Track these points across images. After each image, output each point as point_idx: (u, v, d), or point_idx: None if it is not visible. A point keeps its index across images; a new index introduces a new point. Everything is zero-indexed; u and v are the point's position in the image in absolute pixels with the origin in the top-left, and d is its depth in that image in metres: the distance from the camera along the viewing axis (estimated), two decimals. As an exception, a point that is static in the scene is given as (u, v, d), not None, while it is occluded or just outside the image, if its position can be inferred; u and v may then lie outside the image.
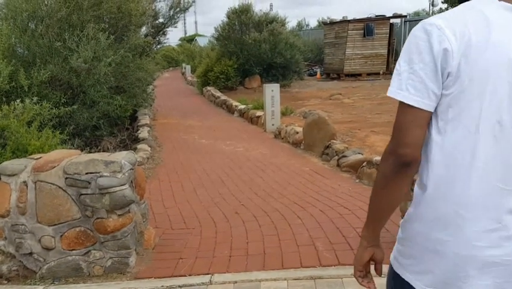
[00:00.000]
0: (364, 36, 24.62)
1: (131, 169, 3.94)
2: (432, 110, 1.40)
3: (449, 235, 1.44)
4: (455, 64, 1.34)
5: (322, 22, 33.02)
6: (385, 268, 1.71)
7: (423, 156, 1.47)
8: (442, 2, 11.22)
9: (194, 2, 18.30)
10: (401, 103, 1.43)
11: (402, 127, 1.44)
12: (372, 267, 1.70)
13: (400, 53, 1.46)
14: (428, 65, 1.37)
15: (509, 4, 1.38)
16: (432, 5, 40.60)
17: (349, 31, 24.72)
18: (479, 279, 1.44)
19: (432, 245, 1.48)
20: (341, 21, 26.12)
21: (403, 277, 1.58)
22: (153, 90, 14.66)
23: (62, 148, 5.47)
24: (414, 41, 1.41)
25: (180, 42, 59.85)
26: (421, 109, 1.39)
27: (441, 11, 11.69)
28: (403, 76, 1.41)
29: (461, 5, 1.44)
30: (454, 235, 1.43)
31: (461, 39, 1.34)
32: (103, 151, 8.09)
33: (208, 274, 3.93)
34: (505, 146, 1.37)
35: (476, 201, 1.40)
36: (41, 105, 5.74)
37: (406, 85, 1.40)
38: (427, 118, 1.41)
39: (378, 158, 6.54)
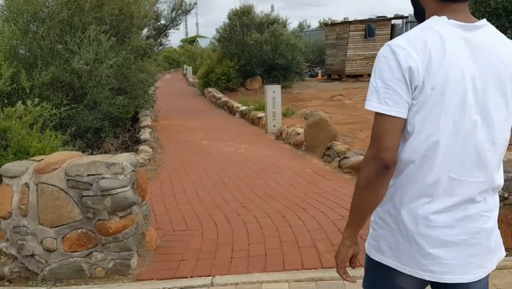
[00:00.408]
0: (365, 37, 24.62)
1: (132, 171, 3.95)
2: (406, 117, 1.63)
3: (407, 214, 1.70)
4: (420, 78, 1.59)
5: (323, 23, 33.00)
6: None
7: (406, 155, 1.70)
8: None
9: (195, 4, 18.32)
10: (379, 114, 1.64)
11: (382, 135, 1.64)
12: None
13: (372, 73, 1.69)
14: (400, 80, 1.60)
15: (457, 22, 1.63)
16: (434, 6, 40.59)
17: (350, 32, 24.73)
18: (438, 257, 1.69)
19: (399, 226, 1.74)
20: (342, 23, 26.13)
21: (379, 260, 1.83)
22: (154, 91, 14.69)
23: (64, 150, 5.48)
24: (384, 61, 1.64)
25: (181, 43, 59.96)
26: (399, 118, 1.61)
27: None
28: (380, 92, 1.63)
29: (419, 26, 1.70)
30: (410, 214, 1.70)
31: (423, 56, 1.58)
32: (105, 152, 8.10)
33: (209, 275, 3.93)
34: (459, 143, 1.64)
35: (436, 189, 1.66)
36: (41, 106, 5.74)
37: (385, 99, 1.61)
38: (402, 125, 1.64)
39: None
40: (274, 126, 11.71)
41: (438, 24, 1.64)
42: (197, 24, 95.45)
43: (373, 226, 1.88)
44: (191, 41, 61.17)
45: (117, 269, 3.98)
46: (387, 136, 1.63)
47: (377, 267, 1.85)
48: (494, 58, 1.65)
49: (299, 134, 9.69)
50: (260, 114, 13.17)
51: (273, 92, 11.76)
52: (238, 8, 22.19)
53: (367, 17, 25.83)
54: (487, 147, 1.66)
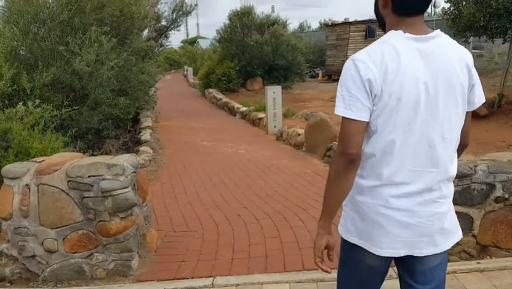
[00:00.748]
0: (366, 37, 24.60)
1: (133, 172, 3.95)
2: (368, 121, 1.91)
3: (376, 202, 1.99)
4: (378, 88, 1.85)
5: (324, 24, 33.02)
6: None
7: (369, 151, 1.99)
8: (445, 1, 11.16)
9: (196, 5, 18.34)
10: (345, 118, 1.91)
11: (348, 135, 1.92)
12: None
13: (339, 82, 1.96)
14: (362, 89, 1.87)
15: (411, 35, 1.89)
16: (434, 6, 40.55)
17: (350, 33, 24.73)
18: (395, 234, 1.98)
19: (366, 210, 2.02)
20: (342, 23, 26.15)
21: (351, 241, 2.11)
22: (155, 92, 14.69)
23: (65, 151, 5.48)
24: (348, 73, 1.91)
25: (182, 44, 59.96)
26: (361, 121, 1.89)
27: (443, 11, 11.65)
28: (346, 99, 1.90)
29: (378, 40, 1.96)
30: (377, 199, 1.99)
31: (380, 68, 1.85)
32: (106, 153, 8.11)
33: (210, 276, 3.93)
34: (413, 140, 1.91)
35: (395, 178, 1.95)
36: (42, 108, 5.74)
37: (350, 106, 1.89)
38: (364, 127, 1.92)
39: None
40: (274, 126, 11.71)
41: (394, 39, 1.91)
42: (197, 25, 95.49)
43: (344, 209, 2.16)
44: (192, 42, 61.17)
45: (118, 270, 3.99)
46: (351, 137, 1.91)
47: (347, 246, 2.13)
48: (446, 64, 1.91)
49: (299, 135, 9.69)
50: (261, 115, 13.17)
51: (274, 93, 11.76)
52: (238, 9, 22.21)
53: (367, 18, 25.82)
54: (438, 142, 1.94)
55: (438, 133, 1.93)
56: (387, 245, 2.00)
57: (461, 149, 2.14)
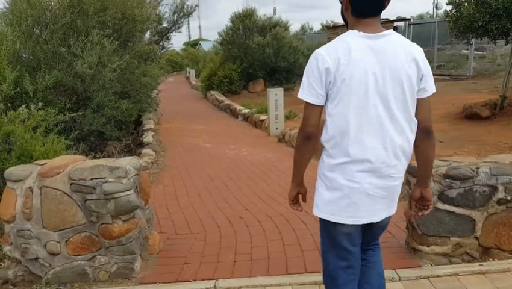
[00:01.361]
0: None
1: (135, 174, 3.96)
2: (322, 104, 2.37)
3: (341, 176, 2.39)
4: (332, 76, 2.28)
5: (325, 26, 32.96)
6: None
7: (324, 130, 2.43)
8: (447, 4, 11.16)
9: (197, 6, 18.37)
10: (305, 102, 2.38)
11: (306, 116, 2.42)
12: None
13: (304, 71, 2.39)
14: (317, 79, 2.32)
15: (364, 33, 2.30)
16: (436, 8, 40.58)
17: (352, 35, 24.71)
18: (359, 202, 2.39)
19: (336, 185, 2.41)
20: (344, 25, 25.94)
21: (327, 218, 2.50)
22: (157, 94, 14.70)
23: (67, 153, 5.49)
24: (309, 64, 2.36)
25: (184, 46, 59.95)
26: (316, 105, 2.36)
27: (445, 13, 11.65)
28: (305, 86, 2.37)
29: (336, 38, 2.36)
30: (344, 175, 2.38)
31: (334, 60, 2.27)
32: (108, 156, 8.11)
33: (212, 279, 3.93)
34: (366, 121, 2.30)
35: (354, 153, 2.34)
36: (46, 110, 5.75)
37: (307, 91, 2.36)
38: (320, 110, 2.38)
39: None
40: (276, 128, 11.71)
41: (349, 36, 2.33)
42: (199, 27, 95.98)
43: (315, 187, 2.59)
44: (194, 44, 61.19)
45: (121, 272, 3.99)
46: (308, 117, 2.41)
47: (324, 223, 2.56)
48: (394, 58, 2.29)
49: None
50: (263, 117, 13.17)
51: (276, 95, 11.77)
52: (240, 11, 22.20)
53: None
54: (388, 123, 2.32)
55: (387, 115, 2.32)
56: (351, 214, 2.42)
57: (426, 132, 2.45)
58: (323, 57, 2.30)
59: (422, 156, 2.51)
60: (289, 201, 2.80)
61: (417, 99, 2.38)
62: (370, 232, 2.60)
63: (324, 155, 2.48)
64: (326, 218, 2.48)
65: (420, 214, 2.73)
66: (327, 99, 2.36)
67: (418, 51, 2.36)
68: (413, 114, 2.38)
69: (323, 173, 2.48)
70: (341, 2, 2.47)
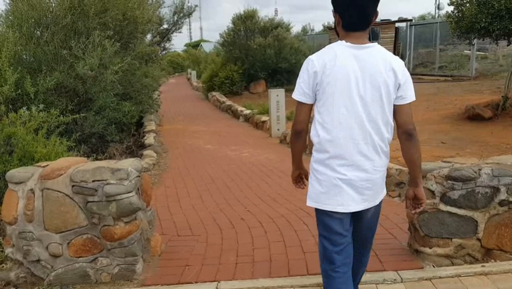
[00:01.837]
0: (369, 40, 24.48)
1: (137, 176, 3.95)
2: (309, 103, 2.74)
3: (328, 169, 2.73)
4: (319, 78, 2.65)
5: (327, 27, 33.02)
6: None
7: (313, 126, 2.78)
8: (448, 4, 11.16)
9: (197, 6, 18.37)
10: (296, 101, 2.77)
11: (297, 114, 2.82)
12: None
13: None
14: (305, 80, 2.71)
15: (350, 44, 2.65)
16: (438, 9, 40.53)
17: (353, 35, 24.70)
18: (346, 192, 2.70)
19: (325, 178, 2.74)
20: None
21: (319, 208, 2.80)
22: (159, 95, 14.70)
23: (69, 155, 5.50)
24: (302, 68, 2.74)
25: (185, 48, 60.02)
26: (303, 103, 2.75)
27: (447, 14, 11.65)
28: (297, 86, 2.77)
29: (326, 46, 2.74)
30: (331, 168, 2.71)
31: (321, 65, 2.63)
32: (110, 157, 8.11)
33: (214, 281, 3.93)
34: (349, 117, 2.64)
35: (340, 149, 2.68)
36: (48, 112, 5.76)
37: (297, 91, 2.76)
38: (308, 108, 2.76)
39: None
40: (278, 129, 11.72)
41: (337, 46, 2.68)
42: (201, 28, 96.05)
43: (309, 181, 2.90)
44: (195, 45, 61.20)
45: (123, 274, 3.99)
46: (298, 115, 2.81)
47: (316, 212, 2.87)
48: (373, 67, 2.62)
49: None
50: (264, 118, 13.18)
51: (277, 96, 11.78)
52: (242, 12, 22.22)
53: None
54: (366, 122, 2.64)
55: (366, 116, 2.64)
56: (340, 203, 2.71)
57: (407, 134, 2.74)
58: (312, 62, 2.68)
59: (406, 156, 2.83)
60: (292, 181, 3.19)
61: (397, 105, 2.70)
62: (360, 222, 2.91)
63: (314, 151, 2.82)
64: (318, 207, 2.79)
65: (413, 211, 3.00)
66: (316, 99, 2.73)
67: (397, 63, 2.69)
68: (390, 118, 2.71)
69: (314, 167, 2.83)
70: (334, 17, 2.79)
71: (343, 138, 2.65)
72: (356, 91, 2.61)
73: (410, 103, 2.71)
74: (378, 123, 2.66)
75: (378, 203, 2.87)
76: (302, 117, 2.78)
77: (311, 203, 2.82)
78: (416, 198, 2.90)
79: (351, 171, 2.68)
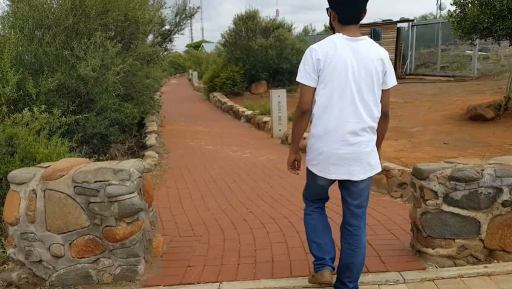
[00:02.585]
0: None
1: (139, 177, 3.95)
2: (314, 86, 3.18)
3: (323, 144, 3.23)
4: (322, 65, 3.11)
5: (328, 27, 33.00)
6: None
7: (313, 105, 3.22)
8: (451, 4, 11.14)
9: (199, 8, 18.37)
10: (301, 84, 3.20)
11: (302, 95, 3.22)
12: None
13: (301, 61, 3.21)
14: (311, 66, 3.14)
15: (347, 36, 3.14)
16: (440, 9, 40.47)
17: (355, 36, 24.68)
18: (338, 164, 3.22)
19: (317, 149, 3.28)
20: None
21: (310, 169, 3.42)
22: (160, 96, 14.71)
23: (71, 156, 5.49)
24: (305, 56, 3.19)
25: (187, 48, 60.07)
26: (309, 86, 3.18)
27: (449, 14, 11.63)
28: (301, 72, 3.19)
29: (326, 38, 3.19)
30: (325, 143, 3.22)
31: (323, 53, 3.11)
32: (111, 158, 8.12)
33: (216, 282, 3.92)
34: (345, 100, 3.13)
35: (333, 127, 3.17)
36: (51, 112, 5.75)
37: (303, 76, 3.18)
38: (312, 90, 3.19)
39: (387, 164, 6.53)
40: (280, 130, 11.71)
41: (336, 37, 3.16)
42: (202, 29, 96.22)
43: (307, 150, 3.43)
44: (197, 46, 61.23)
45: (124, 275, 3.98)
46: (303, 96, 3.22)
47: (308, 171, 3.46)
48: (366, 57, 3.14)
49: (304, 138, 9.64)
50: (266, 119, 13.18)
51: (279, 96, 11.77)
52: (243, 13, 22.21)
53: (372, 21, 25.80)
54: (359, 103, 3.14)
55: (359, 98, 3.14)
56: (332, 172, 3.26)
57: (384, 114, 3.32)
58: (315, 50, 3.14)
59: (379, 130, 3.34)
60: (288, 167, 3.63)
61: (382, 89, 3.25)
62: (350, 192, 3.37)
63: (311, 127, 3.32)
64: (312, 170, 3.40)
65: None
66: (317, 83, 3.17)
67: (384, 53, 3.24)
68: (379, 100, 3.23)
69: (310, 141, 3.37)
70: (329, 15, 3.30)
71: (338, 117, 3.15)
72: (352, 76, 3.11)
73: (390, 88, 3.30)
74: (369, 104, 3.18)
75: (366, 178, 3.29)
76: (307, 98, 3.20)
77: (308, 165, 3.44)
78: None
79: (342, 145, 3.18)
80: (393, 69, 3.27)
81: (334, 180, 3.35)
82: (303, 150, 3.48)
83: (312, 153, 3.34)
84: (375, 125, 3.25)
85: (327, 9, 3.30)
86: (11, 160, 5.08)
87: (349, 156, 3.18)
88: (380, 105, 3.24)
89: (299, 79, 3.19)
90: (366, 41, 3.19)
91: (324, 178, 3.32)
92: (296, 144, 3.49)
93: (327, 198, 3.67)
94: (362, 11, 3.20)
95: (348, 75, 3.10)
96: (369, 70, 3.13)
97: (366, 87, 3.14)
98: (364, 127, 3.17)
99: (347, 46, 3.11)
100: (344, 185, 3.36)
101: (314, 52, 3.13)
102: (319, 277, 3.57)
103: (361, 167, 3.22)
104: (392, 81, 3.27)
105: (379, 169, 3.35)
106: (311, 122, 3.30)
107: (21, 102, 6.86)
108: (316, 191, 3.56)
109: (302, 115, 3.27)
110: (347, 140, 3.16)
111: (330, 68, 3.10)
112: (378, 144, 3.40)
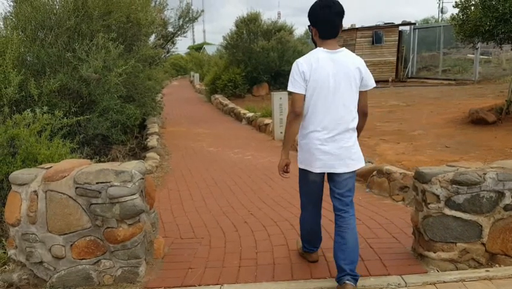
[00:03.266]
0: (373, 43, 24.58)
1: (141, 178, 3.94)
2: (303, 93, 3.60)
3: (312, 142, 3.67)
4: (307, 76, 3.56)
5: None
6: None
7: (304, 111, 3.66)
8: (453, 7, 11.14)
9: (203, 11, 18.37)
10: (293, 92, 3.63)
11: (294, 101, 3.62)
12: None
13: (290, 73, 3.65)
14: (299, 77, 3.58)
15: (327, 50, 3.61)
16: (442, 12, 40.52)
17: (357, 39, 24.72)
18: (324, 160, 3.65)
19: (307, 148, 3.72)
20: (349, 29, 26.10)
21: (301, 168, 3.83)
22: (162, 98, 14.71)
23: (72, 157, 5.49)
24: (293, 68, 3.62)
25: (188, 50, 60.08)
26: (299, 93, 3.60)
27: (451, 17, 11.63)
28: (292, 82, 3.63)
29: (310, 52, 3.68)
30: (313, 141, 3.66)
31: (308, 66, 3.57)
32: (113, 159, 8.12)
33: (217, 284, 3.92)
34: (328, 106, 3.59)
35: (320, 128, 3.63)
36: (52, 113, 5.75)
37: (295, 85, 3.62)
38: (302, 97, 3.61)
39: (389, 167, 6.52)
40: (281, 132, 11.69)
41: (317, 52, 3.64)
42: (204, 31, 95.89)
43: (298, 149, 3.84)
44: (198, 48, 61.26)
45: (125, 277, 3.98)
46: (296, 102, 3.63)
47: (300, 170, 3.87)
48: (345, 66, 3.59)
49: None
50: (267, 121, 13.17)
51: (280, 98, 11.77)
52: (245, 15, 22.23)
53: (374, 24, 25.81)
54: (341, 108, 3.62)
55: (341, 103, 3.61)
56: (318, 166, 3.68)
57: (363, 113, 3.82)
58: (301, 64, 3.61)
59: (358, 127, 3.80)
60: (279, 171, 3.91)
61: (360, 92, 3.70)
62: (336, 184, 3.75)
63: (301, 128, 3.78)
64: (302, 167, 3.83)
65: None
66: (305, 90, 3.61)
67: (360, 62, 3.68)
68: (356, 102, 3.70)
69: (300, 141, 3.83)
70: (311, 31, 3.77)
71: (322, 119, 3.62)
72: (333, 85, 3.58)
73: (368, 90, 3.76)
74: (350, 107, 3.66)
75: (349, 171, 3.71)
76: (300, 103, 3.63)
77: (299, 164, 3.85)
78: None
79: (328, 142, 3.63)
80: (369, 73, 3.71)
81: (323, 175, 3.79)
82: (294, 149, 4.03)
83: (302, 152, 3.79)
84: (355, 124, 3.72)
85: (309, 26, 3.78)
86: (12, 161, 5.08)
87: (333, 152, 3.63)
88: (356, 106, 3.72)
89: (290, 89, 3.64)
90: (344, 52, 3.66)
91: (313, 173, 3.73)
92: (289, 145, 3.81)
93: (321, 197, 4.03)
94: (339, 27, 3.67)
95: (329, 83, 3.57)
96: (348, 77, 3.60)
97: (346, 92, 3.61)
98: (346, 127, 3.65)
99: (328, 58, 3.59)
100: (330, 177, 3.77)
101: (300, 65, 3.60)
102: (307, 256, 4.27)
103: (343, 161, 3.66)
104: (371, 84, 3.74)
105: (362, 164, 3.81)
106: (301, 126, 3.78)
107: (23, 103, 6.87)
108: (310, 188, 3.91)
109: (295, 118, 3.68)
110: (332, 138, 3.63)
111: (315, 78, 3.56)
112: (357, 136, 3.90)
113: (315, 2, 3.67)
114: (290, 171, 3.86)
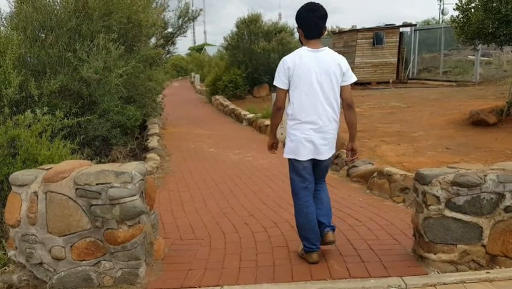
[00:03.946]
0: (374, 45, 24.54)
1: (141, 180, 3.94)
2: (286, 88, 4.08)
3: (299, 132, 4.09)
4: (291, 72, 4.01)
5: (331, 31, 32.98)
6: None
7: (289, 103, 4.13)
8: (454, 9, 11.12)
9: (202, 10, 18.38)
10: (277, 87, 4.09)
11: (277, 96, 4.14)
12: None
13: (276, 70, 4.10)
14: (283, 73, 4.04)
15: (310, 48, 4.05)
16: (442, 14, 40.52)
17: (358, 40, 24.67)
18: (309, 148, 4.09)
19: (294, 138, 4.13)
20: (350, 31, 26.09)
21: (290, 157, 4.23)
22: (162, 99, 14.71)
23: (72, 158, 5.48)
24: (279, 65, 4.07)
25: (189, 51, 60.13)
26: (282, 89, 4.08)
27: (451, 19, 11.63)
28: (277, 78, 4.08)
29: (295, 50, 4.11)
30: (299, 131, 4.08)
31: (292, 63, 4.01)
32: (113, 160, 8.12)
33: (217, 285, 3.91)
34: (312, 99, 4.02)
35: (305, 119, 4.05)
36: (53, 114, 5.75)
37: (278, 80, 4.08)
38: (285, 92, 4.11)
39: (389, 169, 6.51)
40: (281, 134, 11.66)
41: (302, 50, 4.05)
42: (205, 32, 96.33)
43: (286, 141, 4.24)
44: (199, 49, 61.30)
45: (125, 278, 3.98)
46: (278, 96, 4.13)
47: (288, 160, 4.27)
48: (326, 63, 4.00)
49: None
50: (267, 122, 13.14)
51: (281, 100, 11.73)
52: (246, 16, 22.23)
53: (375, 25, 25.79)
54: (323, 101, 4.02)
55: (323, 97, 4.01)
56: (304, 154, 4.10)
57: (348, 106, 4.17)
58: (286, 61, 4.03)
59: (347, 120, 4.22)
60: (268, 147, 4.54)
61: (342, 86, 4.09)
62: (318, 168, 4.26)
63: (288, 120, 4.17)
64: (291, 157, 4.20)
65: (350, 159, 4.49)
66: (289, 87, 4.05)
67: (340, 59, 4.09)
68: (338, 96, 4.08)
69: (288, 131, 4.19)
70: (298, 32, 4.17)
71: (307, 111, 4.02)
72: (315, 80, 3.98)
73: (350, 84, 4.13)
74: (331, 100, 4.05)
75: (330, 157, 4.23)
76: (281, 97, 4.12)
77: (286, 155, 4.24)
78: (352, 150, 4.38)
79: (313, 133, 4.05)
80: (350, 69, 4.14)
81: (309, 162, 4.16)
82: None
83: (290, 141, 4.17)
84: (336, 116, 4.13)
85: (297, 28, 4.17)
86: (12, 162, 5.08)
87: (317, 141, 4.07)
88: (339, 99, 4.13)
89: (275, 83, 4.10)
90: (326, 51, 4.08)
91: (301, 160, 4.12)
92: (274, 132, 4.44)
93: (312, 182, 4.30)
94: (322, 29, 4.09)
95: (312, 79, 3.98)
96: (328, 73, 4.00)
97: (327, 86, 4.01)
98: (329, 118, 4.07)
99: (311, 56, 4.00)
100: (314, 163, 4.20)
101: (285, 62, 4.03)
102: (307, 258, 4.30)
103: (327, 147, 4.13)
104: (351, 78, 4.14)
105: (334, 150, 4.29)
106: (289, 118, 4.17)
107: (24, 103, 6.86)
108: (300, 172, 4.21)
109: (277, 111, 4.21)
110: (316, 129, 4.05)
111: (298, 74, 3.98)
112: (352, 134, 4.31)
113: (302, 6, 4.09)
114: (278, 149, 4.55)
